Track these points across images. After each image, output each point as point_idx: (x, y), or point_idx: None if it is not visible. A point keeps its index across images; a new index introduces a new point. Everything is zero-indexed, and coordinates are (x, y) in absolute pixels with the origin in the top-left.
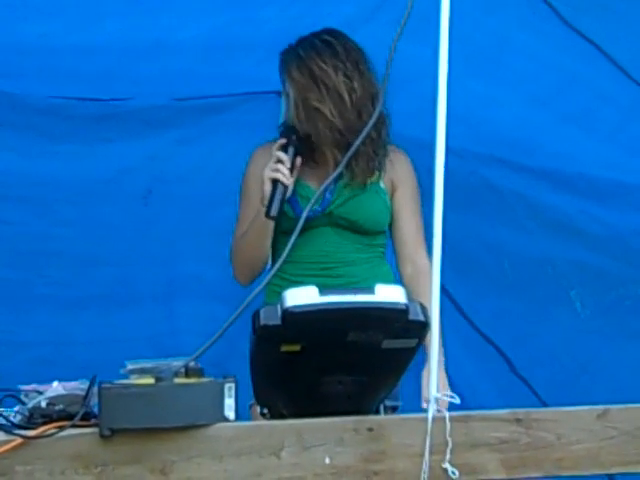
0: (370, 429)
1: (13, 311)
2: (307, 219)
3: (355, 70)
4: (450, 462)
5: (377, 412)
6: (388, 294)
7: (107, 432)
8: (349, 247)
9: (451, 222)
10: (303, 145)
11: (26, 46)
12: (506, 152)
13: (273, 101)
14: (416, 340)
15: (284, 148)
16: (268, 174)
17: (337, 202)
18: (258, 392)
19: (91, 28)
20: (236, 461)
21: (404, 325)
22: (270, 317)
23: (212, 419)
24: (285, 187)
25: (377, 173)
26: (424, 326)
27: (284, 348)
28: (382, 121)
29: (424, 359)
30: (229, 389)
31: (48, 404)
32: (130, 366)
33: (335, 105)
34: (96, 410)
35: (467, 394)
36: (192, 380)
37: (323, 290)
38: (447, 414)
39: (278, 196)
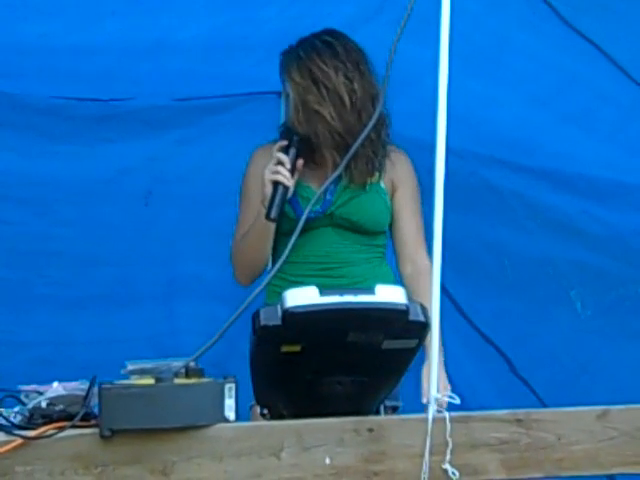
0: (370, 430)
1: (13, 311)
2: (308, 220)
3: (356, 71)
4: (450, 463)
5: (377, 412)
6: (388, 295)
7: (107, 432)
8: (350, 247)
9: (451, 222)
10: (303, 146)
11: (26, 46)
12: (506, 152)
13: (273, 101)
14: (416, 341)
15: (284, 149)
16: (268, 176)
17: (338, 203)
18: (258, 392)
19: (91, 28)
20: (236, 462)
21: (404, 326)
22: (270, 317)
23: (212, 420)
24: (286, 189)
25: (377, 173)
26: (424, 327)
27: (284, 348)
28: (382, 122)
29: (424, 359)
30: (229, 389)
31: (48, 404)
32: (130, 366)
33: (335, 107)
34: (96, 410)
35: (467, 394)
36: (192, 380)
37: (323, 290)
38: (447, 415)
39: (278, 198)
